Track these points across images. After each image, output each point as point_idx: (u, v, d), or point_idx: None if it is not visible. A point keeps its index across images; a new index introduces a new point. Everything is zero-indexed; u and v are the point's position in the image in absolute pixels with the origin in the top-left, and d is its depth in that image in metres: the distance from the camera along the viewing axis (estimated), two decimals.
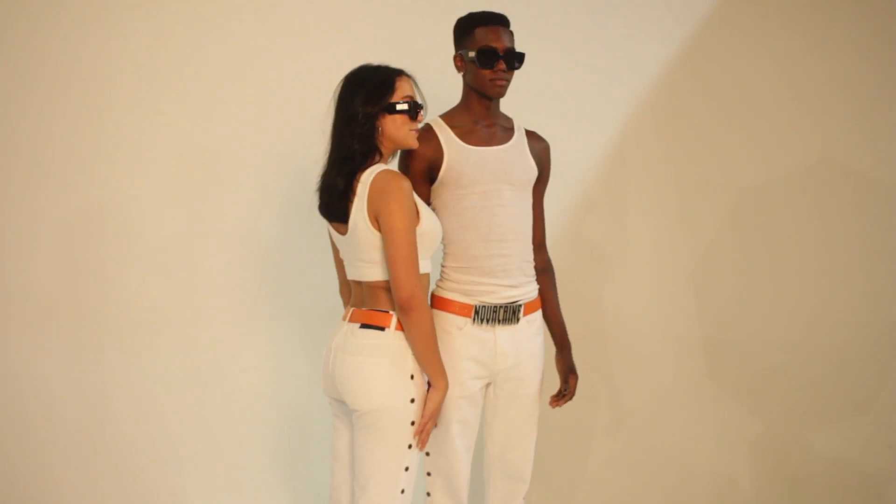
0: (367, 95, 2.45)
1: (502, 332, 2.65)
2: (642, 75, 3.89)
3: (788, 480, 3.77)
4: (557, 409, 2.92)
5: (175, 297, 3.41)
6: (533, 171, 2.74)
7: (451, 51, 2.76)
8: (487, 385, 2.69)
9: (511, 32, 2.69)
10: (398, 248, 2.37)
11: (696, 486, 3.80)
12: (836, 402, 3.80)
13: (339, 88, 2.52)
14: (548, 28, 3.75)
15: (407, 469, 2.45)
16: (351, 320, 2.51)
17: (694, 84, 3.92)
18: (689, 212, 3.92)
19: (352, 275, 2.54)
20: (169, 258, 3.40)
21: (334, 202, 2.46)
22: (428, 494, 2.70)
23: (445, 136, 2.64)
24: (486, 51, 2.61)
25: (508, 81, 2.66)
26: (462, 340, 2.61)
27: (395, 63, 2.54)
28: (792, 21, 3.91)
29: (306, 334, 3.48)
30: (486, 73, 2.63)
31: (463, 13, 2.73)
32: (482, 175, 2.63)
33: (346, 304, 2.71)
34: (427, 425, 2.45)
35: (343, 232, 2.48)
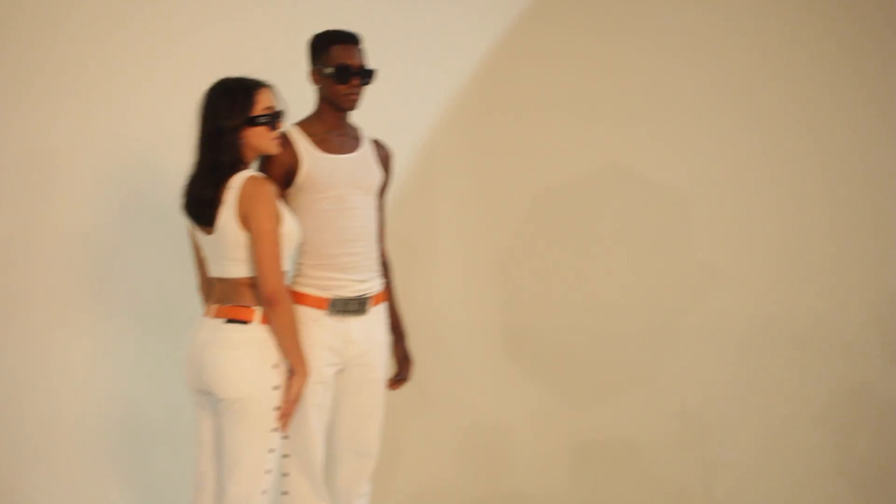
0: (230, 109, 2.66)
1: (354, 323, 2.93)
2: (450, 78, 4.25)
3: (579, 451, 4.27)
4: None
5: (4, 296, 3.41)
6: (379, 177, 3.04)
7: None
8: (339, 371, 2.96)
9: (363, 49, 2.96)
10: (265, 248, 2.61)
11: (498, 456, 4.24)
12: (619, 378, 4.35)
13: (203, 101, 2.70)
14: (359, 29, 4.02)
15: (271, 451, 2.69)
16: (216, 316, 2.70)
17: (498, 88, 4.32)
18: (492, 208, 4.34)
19: (216, 272, 2.73)
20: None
21: (203, 208, 2.65)
22: (285, 475, 2.93)
23: (302, 143, 2.88)
24: (341, 68, 2.87)
25: (360, 96, 2.94)
26: (318, 331, 2.86)
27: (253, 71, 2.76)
28: (586, 29, 4.39)
29: (141, 333, 3.58)
30: (342, 88, 2.89)
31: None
32: (336, 181, 2.90)
33: (205, 300, 2.88)
34: (290, 410, 2.70)
35: (209, 232, 2.67)
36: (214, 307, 2.72)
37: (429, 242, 4.23)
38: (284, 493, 2.92)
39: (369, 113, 3.87)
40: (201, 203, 2.66)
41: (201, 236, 2.73)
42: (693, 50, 4.29)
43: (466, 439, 4.22)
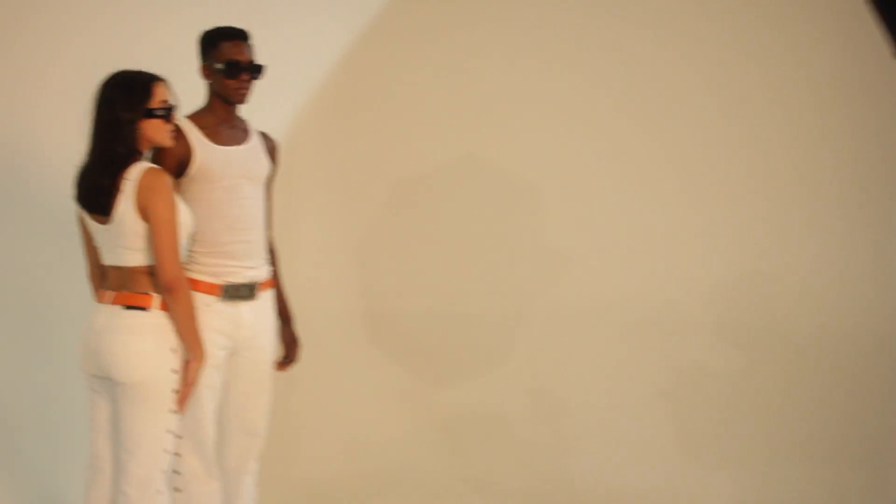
0: (128, 101, 2.74)
1: (244, 308, 3.07)
2: (312, 70, 4.42)
3: (441, 429, 4.55)
4: None
5: None
6: (268, 168, 3.18)
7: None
8: (230, 354, 3.09)
9: (252, 45, 3.09)
10: (164, 237, 2.72)
11: (364, 436, 4.45)
12: (477, 358, 4.65)
13: (99, 93, 2.77)
14: (224, 21, 4.12)
15: (170, 432, 2.80)
16: (113, 302, 2.79)
17: (357, 81, 4.53)
18: (351, 197, 4.54)
19: (112, 260, 2.81)
20: None
21: (100, 198, 2.73)
22: (177, 455, 3.03)
23: (194, 135, 2.99)
24: (231, 63, 3.00)
25: (249, 90, 3.07)
26: (210, 315, 2.98)
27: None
28: (442, 25, 4.64)
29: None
30: (231, 83, 3.02)
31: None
32: (227, 171, 3.02)
33: (96, 287, 2.95)
34: (187, 392, 2.82)
35: (104, 222, 2.75)
36: (110, 294, 2.80)
37: (289, 230, 4.35)
38: (177, 472, 3.03)
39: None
40: (97, 193, 2.73)
41: (95, 226, 2.80)
42: (542, 45, 4.61)
43: (332, 421, 4.41)
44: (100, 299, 2.85)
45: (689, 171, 4.53)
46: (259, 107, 4.04)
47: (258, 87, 4.02)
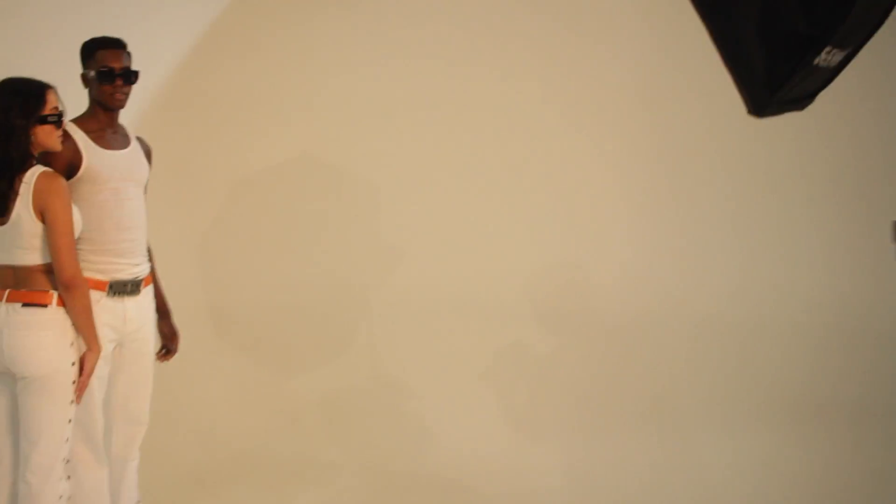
0: (22, 109, 2.90)
1: (129, 302, 3.27)
2: (154, 68, 4.57)
3: (291, 415, 4.82)
4: None
5: None
6: (147, 171, 3.40)
7: None
8: (116, 346, 3.29)
9: (128, 53, 3.29)
10: (62, 237, 2.91)
11: (217, 426, 4.67)
12: (320, 348, 4.97)
13: None
14: (77, 21, 4.24)
15: (70, 421, 2.99)
16: (9, 300, 2.93)
17: (199, 81, 4.74)
18: (195, 194, 4.75)
19: (6, 260, 2.95)
20: None
21: None
22: (66, 440, 3.20)
23: (81, 140, 3.16)
24: (106, 70, 3.20)
25: (127, 95, 3.27)
26: (99, 311, 3.15)
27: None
28: (289, 24, 4.90)
29: None
30: (107, 88, 3.21)
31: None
32: (114, 174, 3.21)
33: None
34: (85, 383, 3.01)
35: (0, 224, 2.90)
36: (5, 292, 2.94)
37: None
38: (67, 460, 3.19)
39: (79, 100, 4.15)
40: None
41: None
42: (379, 46, 4.94)
43: (186, 412, 4.60)
44: None
45: (511, 172, 5.02)
46: None
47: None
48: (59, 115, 2.98)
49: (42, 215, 2.88)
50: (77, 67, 3.28)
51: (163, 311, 3.54)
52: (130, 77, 3.26)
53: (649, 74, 4.77)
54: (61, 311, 2.95)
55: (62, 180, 2.94)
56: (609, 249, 4.92)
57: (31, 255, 2.93)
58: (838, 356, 4.45)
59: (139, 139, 3.42)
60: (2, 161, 2.88)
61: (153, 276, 3.47)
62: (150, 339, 3.40)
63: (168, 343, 3.57)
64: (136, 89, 4.33)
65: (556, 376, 4.94)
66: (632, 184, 4.86)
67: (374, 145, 4.97)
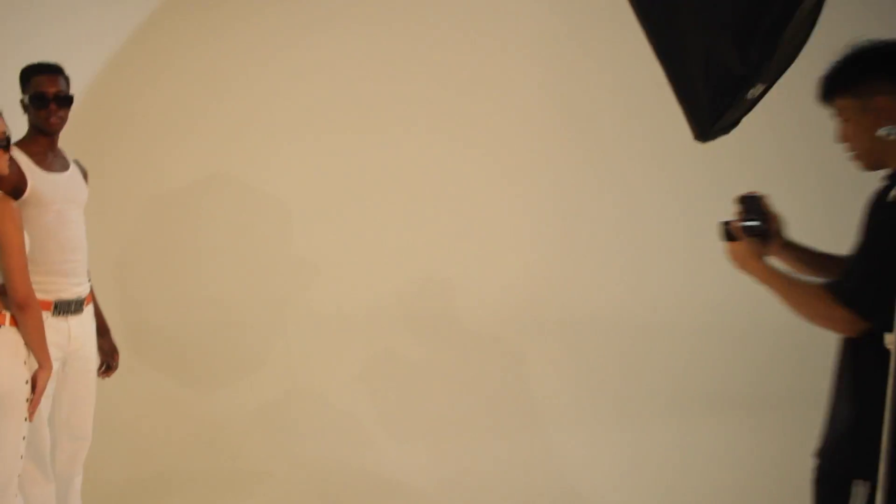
0: None
1: (73, 321, 3.38)
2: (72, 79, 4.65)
3: (208, 431, 4.92)
4: None
5: None
6: (86, 192, 3.51)
7: None
8: (61, 364, 3.38)
9: (65, 78, 3.41)
10: (14, 259, 3.01)
11: (134, 443, 4.74)
12: (235, 364, 5.10)
13: None
14: None
15: (24, 438, 3.08)
16: None
17: (113, 99, 4.84)
18: (108, 212, 4.82)
19: None
20: None
21: None
22: (20, 457, 3.27)
23: (25, 163, 3.26)
24: (39, 95, 3.32)
25: (62, 119, 3.38)
26: (45, 330, 3.27)
27: None
28: (197, 43, 5.04)
29: None
30: (42, 113, 3.33)
31: None
32: (56, 197, 3.32)
33: None
34: (38, 400, 3.11)
35: None
36: None
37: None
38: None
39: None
40: None
41: None
42: (303, 64, 5.08)
43: (108, 431, 4.67)
44: None
45: (394, 188, 5.17)
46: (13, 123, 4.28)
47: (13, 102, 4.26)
48: (7, 140, 3.08)
49: None
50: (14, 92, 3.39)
51: (102, 329, 3.65)
52: (64, 101, 3.37)
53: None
54: (13, 330, 3.04)
55: (13, 203, 3.03)
56: (471, 262, 5.07)
57: None
58: (735, 352, 4.80)
59: (76, 162, 3.53)
60: None
61: (93, 295, 3.58)
62: (93, 357, 3.52)
63: (108, 360, 3.68)
64: None
65: (421, 380, 5.09)
66: (506, 194, 5.06)
67: (289, 162, 5.13)
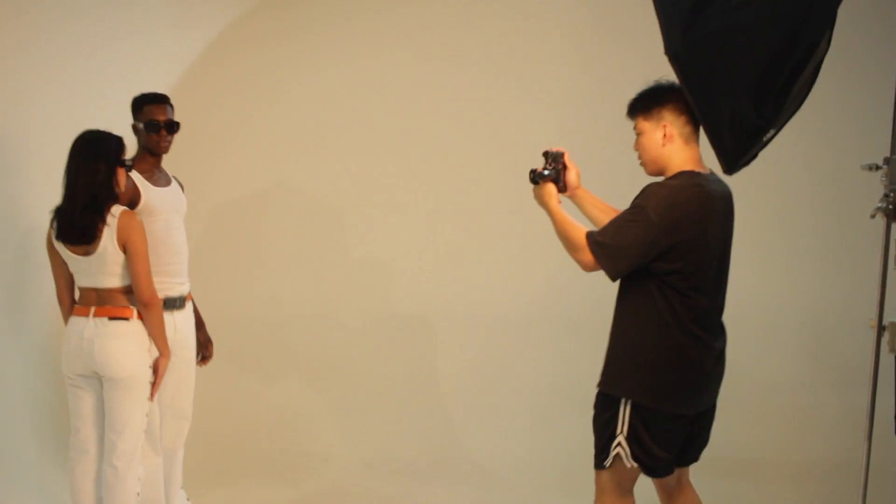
0: (110, 157, 3.60)
1: (178, 315, 3.99)
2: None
3: (279, 413, 5.55)
4: None
5: None
6: (185, 204, 4.12)
7: None
8: None
9: (171, 106, 4.01)
10: (141, 265, 3.61)
11: (209, 428, 5.32)
12: (303, 355, 5.71)
13: (78, 149, 3.59)
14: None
15: (147, 415, 3.71)
16: (96, 315, 3.62)
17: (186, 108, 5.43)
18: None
19: (91, 283, 3.63)
20: None
21: (87, 233, 3.55)
22: (143, 431, 3.86)
23: (138, 179, 3.86)
24: (152, 123, 3.92)
25: (170, 143, 3.97)
26: None
27: None
28: (262, 63, 5.64)
29: None
30: (154, 137, 3.93)
31: None
32: (164, 208, 3.93)
33: (65, 304, 3.75)
34: (159, 383, 3.73)
35: (82, 253, 3.58)
36: (92, 308, 3.62)
37: None
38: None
39: None
40: (85, 229, 3.56)
41: (73, 256, 3.60)
42: (350, 81, 5.62)
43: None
44: (77, 314, 3.65)
45: (442, 193, 5.71)
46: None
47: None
48: (130, 162, 3.71)
49: (124, 247, 3.58)
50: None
51: (199, 323, 4.25)
52: (173, 127, 3.96)
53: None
54: (139, 323, 3.65)
55: (139, 217, 3.65)
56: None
57: (113, 279, 3.62)
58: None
59: (175, 178, 4.14)
60: (91, 200, 3.57)
61: (191, 293, 4.19)
62: (193, 346, 4.12)
63: (204, 350, 4.28)
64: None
65: (482, 373, 5.63)
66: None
67: (338, 170, 5.72)
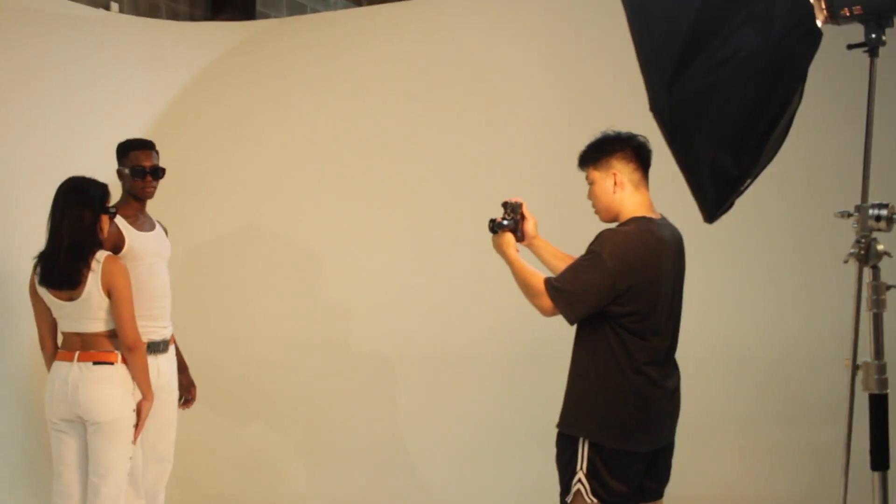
0: (94, 204, 3.68)
1: (161, 359, 4.04)
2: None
3: (264, 455, 5.60)
4: None
5: None
6: (169, 248, 4.19)
7: None
8: None
9: (157, 152, 4.09)
10: (127, 309, 3.69)
11: (190, 471, 5.38)
12: (292, 395, 5.77)
13: (63, 196, 3.67)
14: None
15: (130, 458, 3.76)
16: (80, 360, 3.67)
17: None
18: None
19: (75, 328, 3.69)
20: None
21: (71, 279, 3.62)
22: (127, 474, 3.90)
23: (122, 224, 3.94)
24: (138, 169, 4.01)
25: (155, 188, 4.05)
26: None
27: None
28: (230, 108, 5.75)
29: None
30: (139, 183, 4.00)
31: None
32: (148, 252, 4.00)
33: (47, 349, 3.80)
34: (142, 426, 3.79)
35: (66, 298, 3.65)
36: (76, 353, 3.68)
37: None
38: None
39: None
40: (70, 275, 3.62)
41: (56, 301, 3.66)
42: (323, 117, 5.78)
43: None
44: (61, 358, 3.71)
45: (420, 231, 5.90)
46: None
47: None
48: (115, 209, 3.78)
49: (108, 292, 3.65)
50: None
51: (182, 366, 4.31)
52: (158, 173, 4.04)
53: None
54: (123, 367, 3.71)
55: (123, 262, 3.72)
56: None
57: (97, 324, 3.68)
58: None
59: (159, 222, 4.22)
60: (76, 247, 3.64)
61: (173, 336, 4.26)
62: (175, 390, 4.17)
63: (187, 394, 4.34)
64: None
65: (473, 414, 5.77)
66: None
67: (314, 209, 5.82)
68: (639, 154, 3.15)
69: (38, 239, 3.74)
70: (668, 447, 3.31)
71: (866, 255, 2.49)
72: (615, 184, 3.14)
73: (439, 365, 5.63)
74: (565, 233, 3.64)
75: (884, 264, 2.56)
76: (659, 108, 2.64)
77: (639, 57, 2.69)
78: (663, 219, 3.19)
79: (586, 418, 3.15)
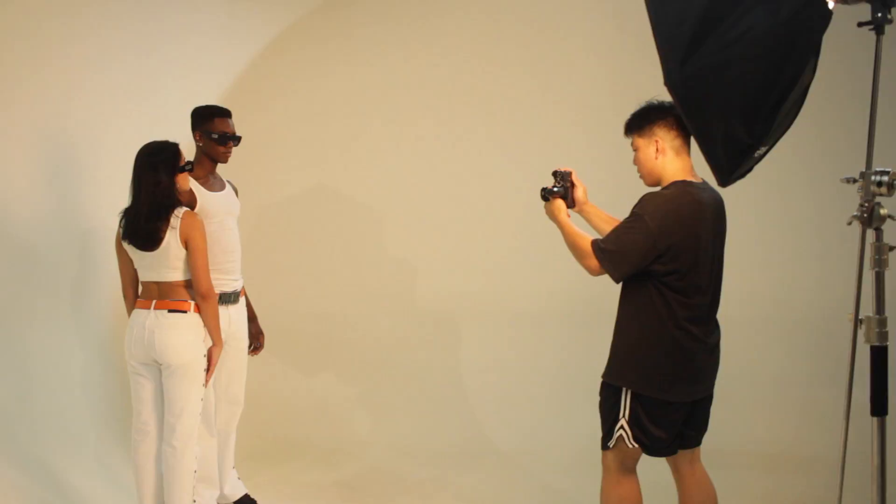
0: (168, 166, 4.04)
1: (232, 309, 4.44)
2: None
3: (324, 403, 6.01)
4: None
5: None
6: (239, 206, 4.56)
7: None
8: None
9: (233, 121, 4.46)
10: (200, 260, 4.05)
11: (260, 416, 5.80)
12: (350, 347, 6.16)
13: (141, 160, 4.03)
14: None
15: (202, 399, 4.16)
16: (157, 308, 4.07)
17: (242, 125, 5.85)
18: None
19: (153, 277, 4.07)
20: None
21: (153, 235, 3.99)
22: (199, 414, 4.31)
23: (194, 184, 4.32)
24: (222, 134, 4.37)
25: (231, 153, 4.44)
26: None
27: None
28: (302, 72, 6.10)
29: None
30: (221, 148, 4.37)
31: None
32: (219, 210, 4.38)
33: (129, 297, 4.21)
34: (213, 370, 4.19)
35: (148, 249, 4.04)
36: (153, 302, 4.07)
37: None
38: None
39: None
40: (151, 231, 4.00)
41: (138, 253, 4.05)
42: (391, 85, 6.12)
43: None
44: (140, 306, 4.11)
45: (480, 193, 6.20)
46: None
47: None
48: (192, 165, 4.15)
49: (186, 244, 4.04)
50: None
51: (252, 316, 4.70)
52: (237, 140, 4.41)
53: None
54: (196, 315, 4.10)
55: (199, 217, 4.10)
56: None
57: (174, 273, 4.06)
58: None
59: (229, 182, 4.60)
60: (157, 206, 4.00)
61: (244, 289, 4.64)
62: (245, 338, 4.57)
63: (256, 341, 4.73)
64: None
65: (523, 365, 6.08)
66: None
67: (379, 171, 6.17)
68: (680, 122, 3.35)
69: (121, 197, 4.11)
70: (706, 398, 3.57)
71: (869, 218, 2.72)
72: (657, 150, 3.39)
73: (499, 321, 5.97)
74: (613, 198, 3.90)
75: (887, 227, 2.78)
76: (672, 82, 2.90)
77: (654, 35, 2.94)
78: (704, 182, 3.41)
79: (630, 370, 3.42)
